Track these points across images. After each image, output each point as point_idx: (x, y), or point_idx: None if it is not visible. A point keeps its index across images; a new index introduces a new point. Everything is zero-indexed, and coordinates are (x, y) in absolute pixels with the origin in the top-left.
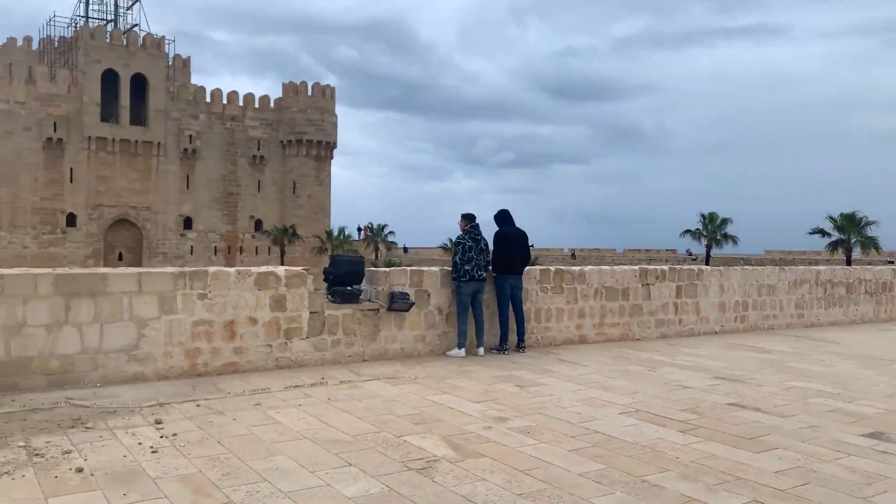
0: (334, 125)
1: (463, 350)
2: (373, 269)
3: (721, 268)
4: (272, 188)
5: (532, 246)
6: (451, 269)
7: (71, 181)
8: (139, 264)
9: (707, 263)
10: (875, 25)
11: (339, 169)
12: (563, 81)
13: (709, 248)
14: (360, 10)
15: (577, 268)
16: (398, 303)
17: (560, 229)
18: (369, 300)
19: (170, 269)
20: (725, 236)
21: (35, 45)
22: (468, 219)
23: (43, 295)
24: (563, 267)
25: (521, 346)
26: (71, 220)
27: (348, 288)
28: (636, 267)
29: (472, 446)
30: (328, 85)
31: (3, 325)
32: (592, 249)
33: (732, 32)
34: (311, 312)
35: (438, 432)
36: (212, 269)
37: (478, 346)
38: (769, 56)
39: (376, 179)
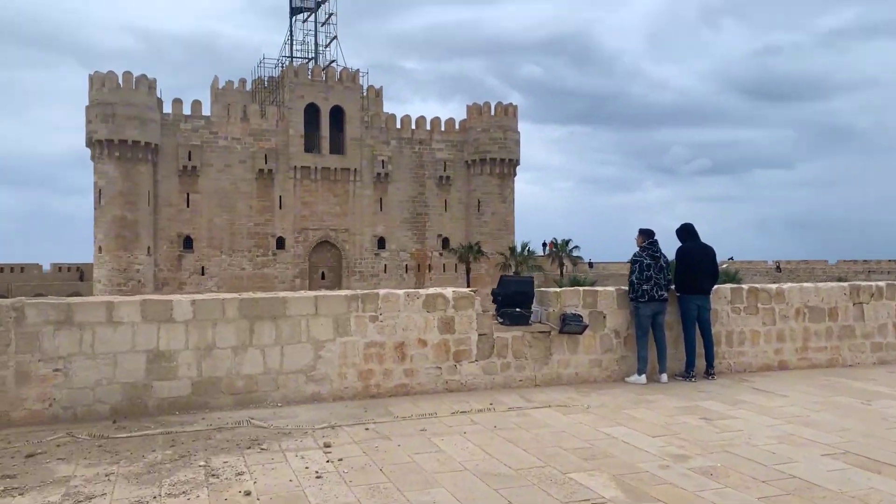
0: (517, 142)
1: (643, 376)
2: (543, 289)
3: (885, 283)
4: (458, 207)
5: (731, 259)
6: (627, 288)
7: (280, 207)
8: (339, 283)
9: None
10: None
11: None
12: (762, 82)
13: None
14: (543, 28)
15: (773, 286)
16: (570, 325)
17: (763, 240)
18: (540, 322)
19: (343, 293)
20: None
21: (248, 87)
22: (646, 235)
23: (230, 318)
24: (757, 285)
25: (709, 373)
26: (280, 243)
27: (517, 310)
28: (845, 284)
29: (645, 488)
30: (510, 104)
31: (196, 346)
32: (800, 261)
33: None
34: (479, 334)
35: (608, 470)
36: (382, 291)
37: (660, 373)
38: None
39: (562, 194)
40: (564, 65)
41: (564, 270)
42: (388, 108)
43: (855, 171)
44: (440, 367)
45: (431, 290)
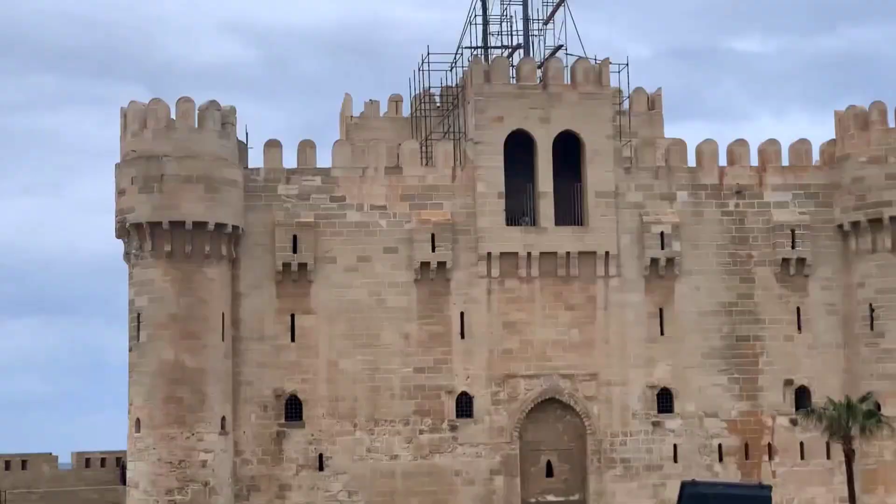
0: None
1: None
2: None
3: None
4: (826, 321)
5: None
6: None
7: (462, 336)
8: (583, 485)
9: None
10: None
11: None
12: None
13: None
14: None
15: None
16: None
17: None
18: None
19: None
20: None
21: (406, 109)
22: None
23: None
24: None
25: None
26: (464, 405)
27: None
28: None
29: None
30: None
31: None
32: None
33: None
34: None
35: None
36: None
37: None
38: None
39: None
40: None
41: None
42: (682, 128)
43: None
44: None
45: None
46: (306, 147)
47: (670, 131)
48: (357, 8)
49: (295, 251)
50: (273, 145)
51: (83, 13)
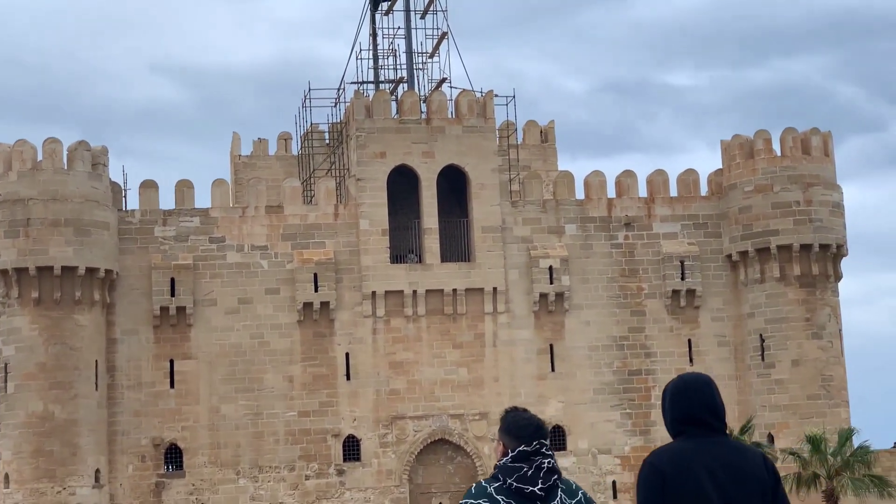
0: (838, 209)
1: None
2: None
3: None
4: (716, 352)
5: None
6: None
7: (348, 378)
8: None
9: None
10: None
11: None
12: None
13: None
14: None
15: None
16: None
17: None
18: None
19: None
20: None
21: (295, 147)
22: (514, 433)
23: None
24: None
25: None
26: (351, 448)
27: None
28: None
29: None
30: (815, 129)
31: None
32: None
33: None
34: None
35: None
36: None
37: None
38: None
39: None
40: None
41: None
42: (613, 162)
43: None
44: None
45: None
46: (183, 187)
47: (595, 165)
48: (291, 47)
49: (173, 294)
50: (149, 186)
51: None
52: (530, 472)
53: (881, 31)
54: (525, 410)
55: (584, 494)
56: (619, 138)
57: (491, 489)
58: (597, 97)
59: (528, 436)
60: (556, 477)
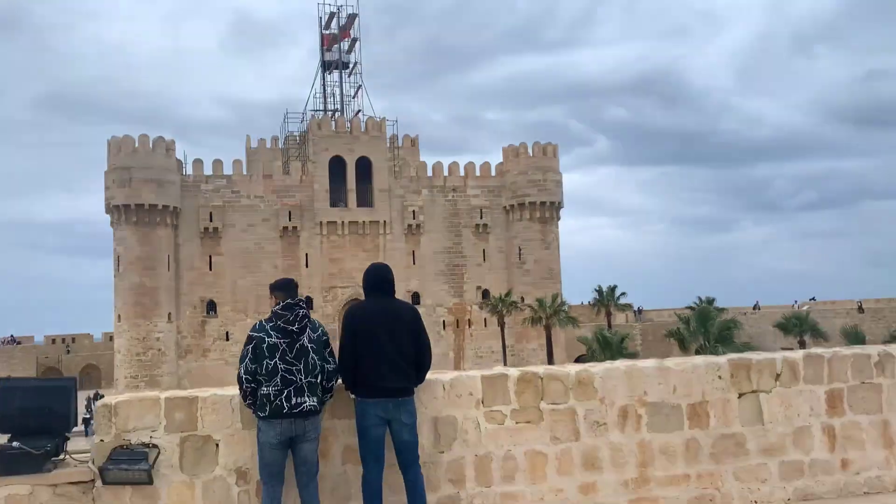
0: (558, 183)
1: None
2: (103, 401)
3: None
4: (498, 256)
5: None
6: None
7: (307, 266)
8: None
9: None
10: None
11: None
12: (868, 108)
13: None
14: (628, 69)
15: (573, 369)
16: (122, 468)
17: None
18: (80, 464)
19: None
20: None
21: (281, 143)
22: (283, 290)
23: None
24: (534, 369)
25: None
26: (309, 302)
27: (14, 444)
28: (723, 359)
29: None
30: (549, 143)
31: None
32: (889, 299)
33: None
34: None
35: None
36: None
37: None
38: None
39: (656, 237)
40: (652, 105)
41: (612, 322)
42: (474, 159)
43: None
44: None
45: None
46: (217, 163)
47: (442, 159)
48: (283, 90)
49: (211, 220)
50: (198, 162)
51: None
52: (291, 316)
53: (596, 94)
54: (291, 279)
55: (322, 328)
56: (457, 146)
57: (267, 326)
58: (450, 124)
59: (291, 292)
60: (307, 320)
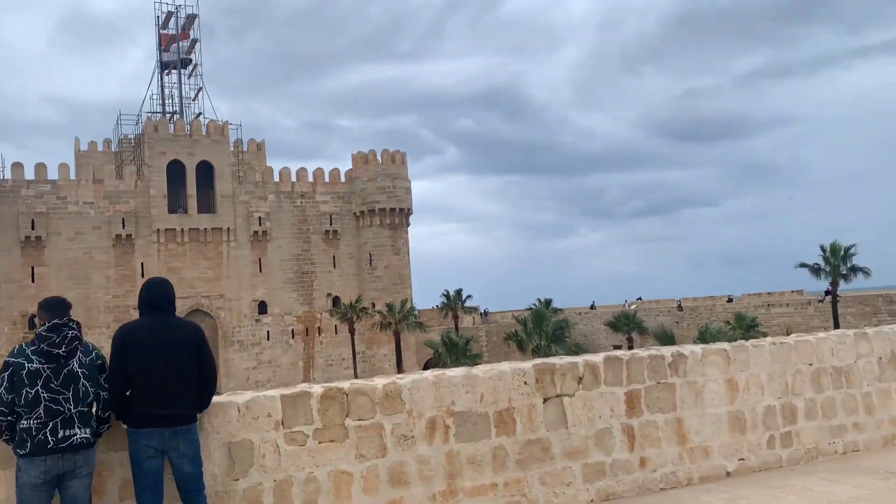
0: (407, 190)
1: None
2: None
3: (729, 346)
4: (348, 263)
5: (639, 299)
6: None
7: (142, 276)
8: (216, 355)
9: (834, 305)
10: None
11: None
12: (687, 124)
13: (834, 285)
14: (476, 82)
15: (380, 382)
16: None
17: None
18: None
19: None
20: (854, 269)
21: (115, 147)
22: (49, 310)
23: None
24: (340, 385)
25: None
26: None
27: None
28: (528, 365)
29: None
30: (398, 151)
31: None
32: (706, 298)
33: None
34: None
35: None
36: None
37: None
38: None
39: (502, 242)
40: (497, 117)
41: (460, 324)
42: (324, 165)
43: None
44: None
45: None
46: (41, 167)
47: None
48: (123, 92)
49: (33, 228)
50: (17, 165)
51: None
52: (58, 339)
53: (446, 105)
54: (62, 298)
55: (97, 352)
56: (309, 152)
57: (28, 351)
58: (302, 130)
59: (59, 312)
60: (77, 342)
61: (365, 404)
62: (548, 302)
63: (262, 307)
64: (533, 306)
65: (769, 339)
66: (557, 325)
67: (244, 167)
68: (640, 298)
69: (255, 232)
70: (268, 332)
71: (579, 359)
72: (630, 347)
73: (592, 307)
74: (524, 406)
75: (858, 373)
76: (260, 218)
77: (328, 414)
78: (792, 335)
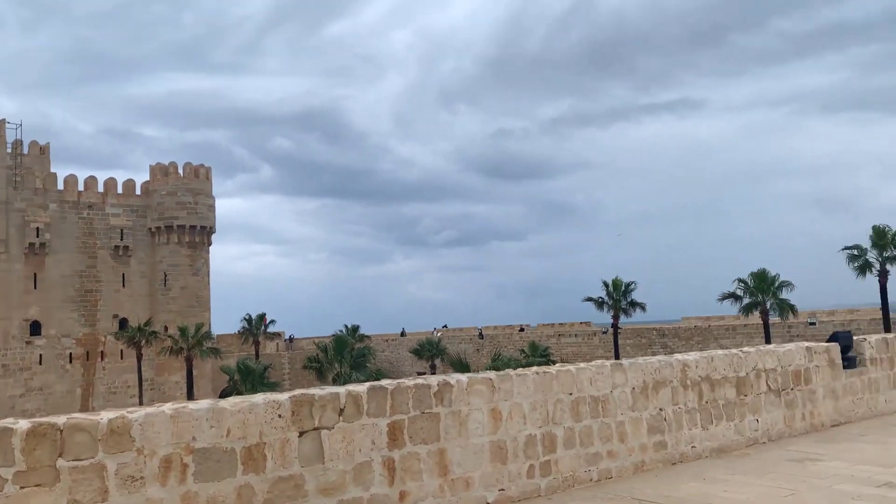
0: (211, 207)
1: None
2: None
3: (494, 375)
4: (140, 282)
5: (445, 326)
6: None
7: None
8: None
9: (615, 336)
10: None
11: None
12: (497, 162)
13: (616, 318)
14: (295, 102)
15: (106, 416)
16: None
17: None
18: None
19: None
20: (633, 304)
21: None
22: None
23: None
24: (53, 419)
25: None
26: None
27: None
28: (284, 396)
29: None
30: (202, 165)
31: None
32: (505, 326)
33: (657, 108)
34: None
35: None
36: None
37: None
38: (691, 129)
39: (317, 266)
40: (316, 139)
41: (261, 350)
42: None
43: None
44: None
45: None
46: None
47: (83, 174)
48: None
49: None
50: None
51: None
52: None
53: (262, 122)
54: None
55: None
56: (108, 161)
57: None
58: (100, 136)
59: None
60: None
61: (84, 442)
62: (355, 328)
63: (36, 327)
64: (340, 332)
65: (534, 368)
66: (360, 352)
67: (23, 171)
68: (445, 326)
69: (32, 244)
70: (40, 355)
71: (342, 389)
72: (433, 374)
73: (403, 334)
74: (277, 441)
75: (614, 402)
76: (38, 229)
77: (35, 454)
78: (556, 365)
